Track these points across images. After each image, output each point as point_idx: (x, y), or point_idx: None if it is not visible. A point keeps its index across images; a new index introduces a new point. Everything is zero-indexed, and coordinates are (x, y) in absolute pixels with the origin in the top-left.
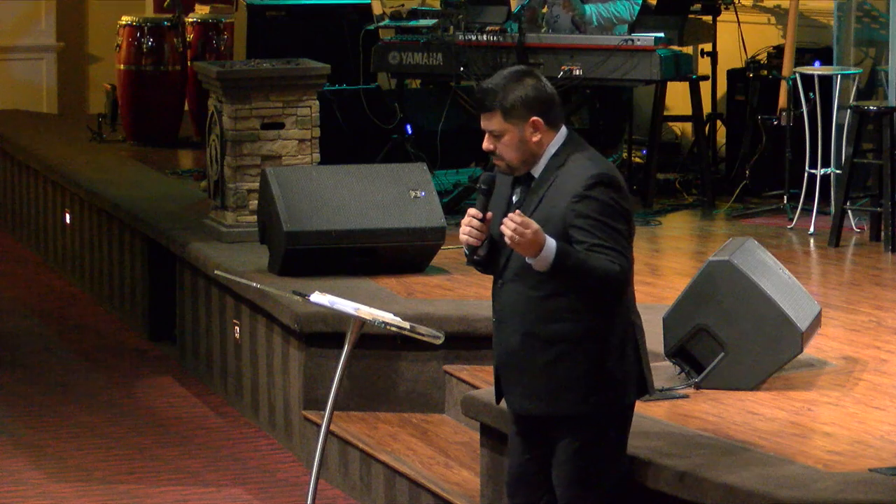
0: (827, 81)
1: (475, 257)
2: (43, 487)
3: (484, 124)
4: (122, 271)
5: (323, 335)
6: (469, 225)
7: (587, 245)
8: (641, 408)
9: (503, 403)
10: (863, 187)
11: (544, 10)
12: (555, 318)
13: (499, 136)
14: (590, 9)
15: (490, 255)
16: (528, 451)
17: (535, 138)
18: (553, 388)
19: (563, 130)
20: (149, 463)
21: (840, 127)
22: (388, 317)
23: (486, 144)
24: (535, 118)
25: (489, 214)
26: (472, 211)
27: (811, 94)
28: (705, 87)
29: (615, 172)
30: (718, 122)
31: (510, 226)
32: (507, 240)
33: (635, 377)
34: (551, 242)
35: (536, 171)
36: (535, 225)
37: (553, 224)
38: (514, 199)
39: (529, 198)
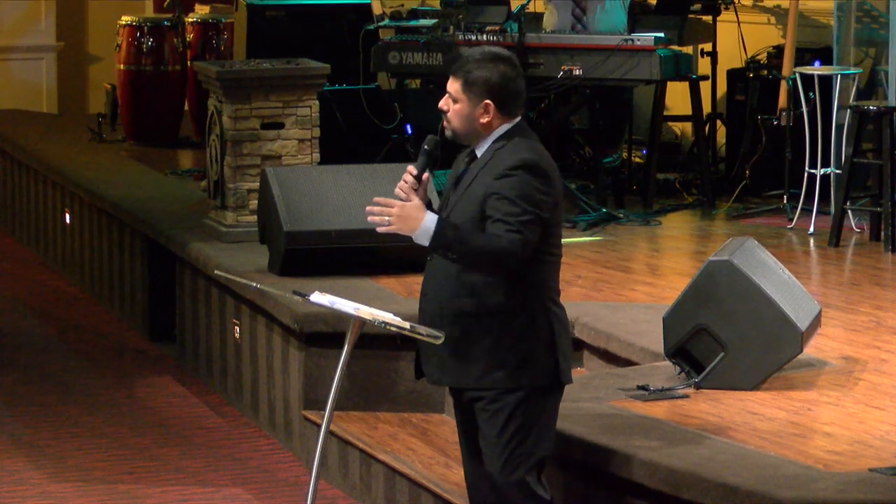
0: (827, 81)
1: None
2: (43, 487)
3: (448, 85)
4: (122, 271)
5: (323, 335)
6: (403, 180)
7: (491, 220)
8: (642, 408)
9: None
10: (863, 187)
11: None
12: (465, 293)
13: (454, 101)
14: None
15: None
16: (466, 442)
17: (483, 119)
18: (458, 361)
19: (516, 120)
20: (149, 463)
21: (840, 127)
22: (388, 317)
23: (442, 104)
24: (487, 101)
25: (426, 175)
26: (409, 167)
27: (811, 94)
28: (705, 87)
29: (545, 164)
30: (718, 122)
31: (374, 212)
32: (381, 228)
33: (546, 363)
34: (431, 216)
35: (480, 150)
36: (397, 202)
37: (473, 199)
38: (459, 175)
39: (468, 174)
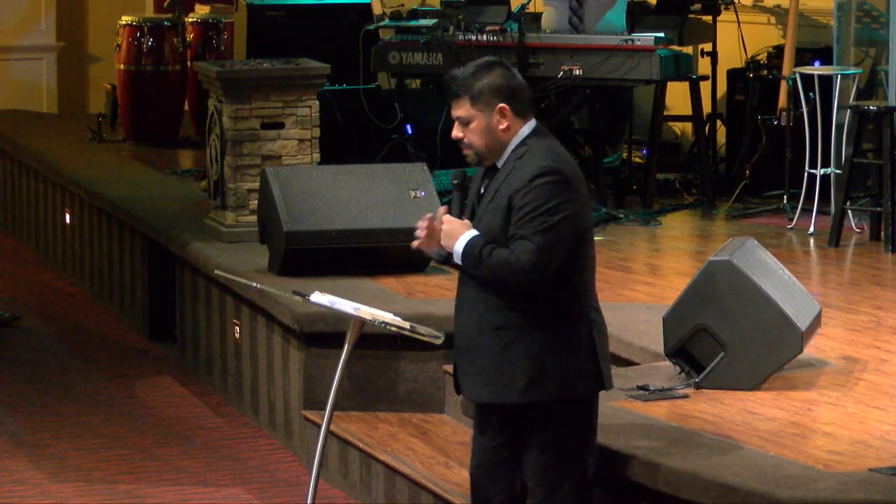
0: (827, 81)
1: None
2: (43, 487)
3: (453, 112)
4: (122, 271)
5: (323, 335)
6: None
7: (516, 237)
8: (642, 408)
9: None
10: (863, 187)
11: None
12: (504, 306)
13: (467, 123)
14: None
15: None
16: (488, 441)
17: (502, 126)
18: (500, 375)
19: (532, 122)
20: (149, 463)
21: (840, 127)
22: (388, 317)
23: (455, 132)
24: (501, 105)
25: (443, 209)
26: (442, 211)
27: (811, 94)
28: (705, 87)
29: (565, 165)
30: (718, 122)
31: (421, 227)
32: (417, 243)
33: (588, 371)
34: (473, 234)
35: (500, 162)
36: (446, 218)
37: (500, 214)
38: (482, 191)
39: (489, 189)
